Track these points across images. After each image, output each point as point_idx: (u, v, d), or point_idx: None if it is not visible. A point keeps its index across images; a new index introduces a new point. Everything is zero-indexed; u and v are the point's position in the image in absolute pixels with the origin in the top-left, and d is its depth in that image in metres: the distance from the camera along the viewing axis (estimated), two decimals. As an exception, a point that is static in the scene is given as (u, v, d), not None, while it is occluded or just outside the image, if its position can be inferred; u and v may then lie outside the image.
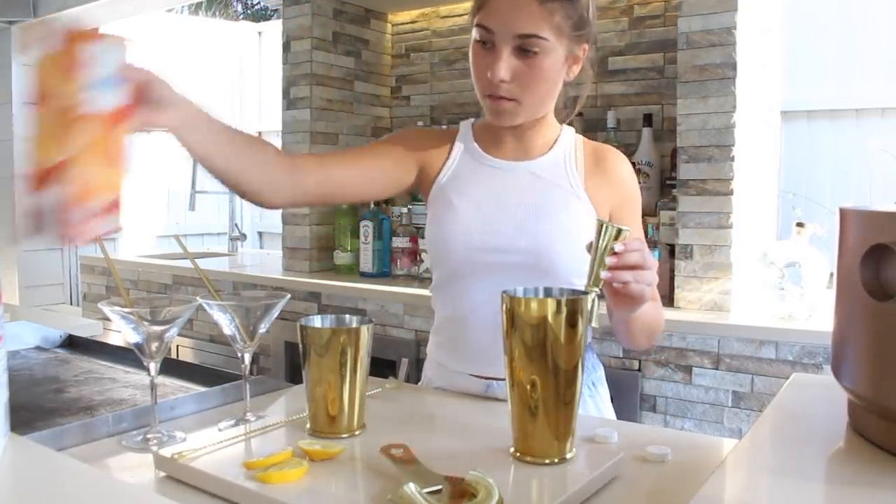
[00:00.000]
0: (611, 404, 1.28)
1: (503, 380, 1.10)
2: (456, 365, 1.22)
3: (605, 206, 1.19)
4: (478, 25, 1.09)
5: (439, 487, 0.74)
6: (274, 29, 4.69)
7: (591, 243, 0.94)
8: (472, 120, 1.28)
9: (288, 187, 1.11)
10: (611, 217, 1.20)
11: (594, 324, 0.90)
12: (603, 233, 0.94)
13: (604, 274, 0.93)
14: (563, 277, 1.12)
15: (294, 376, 2.56)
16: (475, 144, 1.23)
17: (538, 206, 1.16)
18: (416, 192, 1.29)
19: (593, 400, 1.23)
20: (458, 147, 1.24)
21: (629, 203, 1.21)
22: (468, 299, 1.18)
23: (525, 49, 1.07)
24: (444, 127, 2.77)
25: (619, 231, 0.93)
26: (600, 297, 0.95)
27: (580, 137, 1.24)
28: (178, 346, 3.00)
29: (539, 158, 1.20)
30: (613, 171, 1.20)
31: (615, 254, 0.92)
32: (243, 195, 1.09)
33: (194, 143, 0.98)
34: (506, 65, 1.07)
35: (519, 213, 1.15)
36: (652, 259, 0.96)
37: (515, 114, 1.13)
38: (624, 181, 1.21)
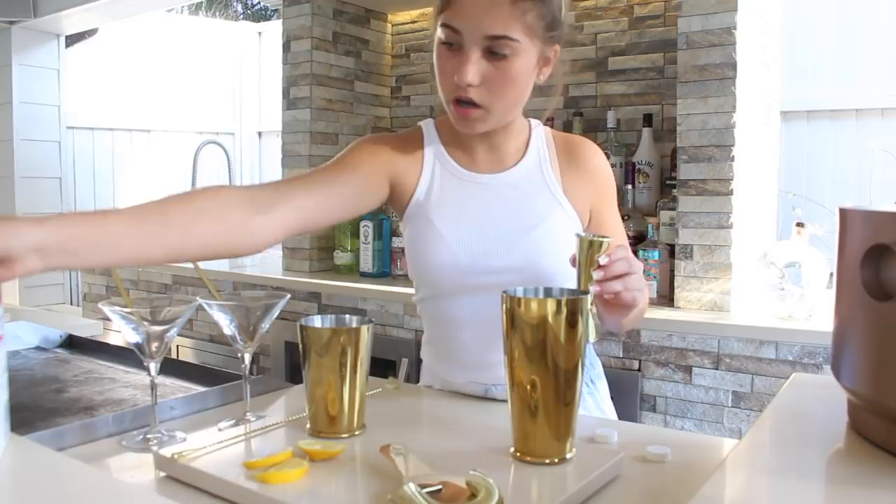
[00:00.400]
0: (610, 401, 1.27)
1: (503, 385, 1.10)
2: (451, 375, 1.21)
3: (585, 203, 1.17)
4: (443, 25, 1.02)
5: (439, 487, 0.74)
6: (274, 29, 4.68)
7: (574, 257, 0.93)
8: (430, 120, 1.20)
9: (259, 230, 0.97)
10: (591, 211, 1.18)
11: (592, 338, 0.89)
12: (585, 247, 0.92)
13: (592, 288, 0.92)
14: (556, 286, 1.10)
15: (294, 376, 2.55)
16: (447, 156, 1.16)
17: (523, 220, 1.12)
18: (389, 206, 1.21)
19: (592, 397, 1.23)
20: (429, 157, 1.17)
21: (606, 192, 1.19)
22: (459, 314, 1.15)
23: (495, 51, 1.00)
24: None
25: (601, 243, 0.92)
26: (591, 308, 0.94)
27: (549, 131, 1.20)
28: (178, 346, 3.00)
29: (515, 167, 1.15)
30: (587, 164, 1.17)
31: (601, 266, 0.91)
32: (221, 257, 0.98)
33: (83, 262, 0.79)
34: (475, 68, 1.00)
35: (504, 231, 1.12)
36: (637, 263, 0.95)
37: (483, 122, 1.07)
38: (598, 173, 1.18)
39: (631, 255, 0.95)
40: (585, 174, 1.17)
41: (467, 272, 1.12)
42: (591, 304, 0.92)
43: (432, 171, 1.16)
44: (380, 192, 1.15)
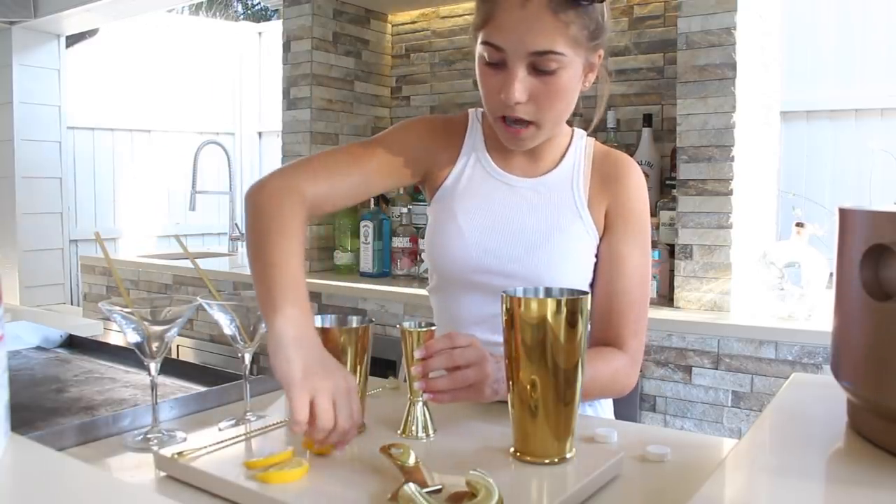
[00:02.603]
0: (612, 416, 1.25)
1: None
2: None
3: (602, 219, 1.13)
4: (485, 43, 0.99)
5: (439, 487, 0.74)
6: (274, 29, 4.69)
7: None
8: (481, 110, 1.17)
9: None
10: (605, 232, 1.11)
11: (422, 435, 0.88)
12: (405, 338, 0.89)
13: (416, 385, 0.87)
14: None
15: (294, 376, 2.55)
16: (484, 150, 1.16)
17: (539, 230, 1.11)
18: (420, 188, 1.23)
19: (592, 407, 1.19)
20: (467, 148, 1.16)
21: (624, 217, 1.11)
22: (464, 311, 1.15)
23: (540, 67, 0.97)
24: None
25: (419, 333, 0.88)
26: (426, 405, 0.92)
27: (592, 142, 1.17)
28: (178, 346, 3.00)
29: (548, 174, 1.14)
30: (617, 180, 1.12)
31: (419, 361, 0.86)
32: None
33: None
34: (521, 86, 0.97)
35: (520, 235, 1.11)
36: (474, 353, 0.88)
37: (533, 139, 1.06)
38: (624, 193, 1.12)
39: (463, 345, 0.88)
40: (611, 191, 1.12)
41: (476, 268, 1.11)
42: (421, 399, 0.89)
43: (466, 162, 1.16)
44: (412, 178, 1.17)
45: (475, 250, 1.11)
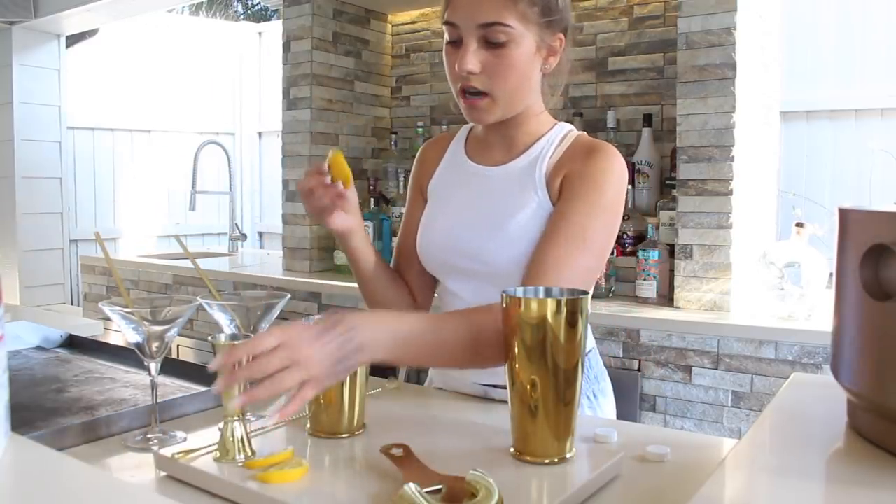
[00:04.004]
0: (614, 417, 1.24)
1: (502, 387, 1.10)
2: (455, 373, 1.22)
3: (556, 188, 1.10)
4: (445, 23, 1.08)
5: (439, 487, 0.74)
6: (274, 29, 4.69)
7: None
8: (470, 126, 1.25)
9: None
10: (558, 201, 1.09)
11: (240, 458, 0.81)
12: (217, 352, 0.84)
13: (236, 402, 0.81)
14: (518, 280, 1.06)
15: (294, 376, 2.55)
16: (463, 149, 1.23)
17: (498, 212, 1.12)
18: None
19: (593, 412, 1.19)
20: (449, 151, 1.25)
21: (577, 181, 1.07)
22: (455, 298, 1.19)
23: (491, 40, 1.04)
24: (444, 127, 2.78)
25: (224, 347, 0.84)
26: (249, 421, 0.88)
27: (575, 133, 1.16)
28: (178, 346, 3.00)
29: (515, 160, 1.15)
30: (586, 155, 1.10)
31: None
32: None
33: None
34: (473, 56, 1.05)
35: (481, 220, 1.14)
36: (281, 356, 0.78)
37: (489, 111, 1.09)
38: (587, 164, 1.08)
39: (267, 348, 0.79)
40: (577, 161, 1.10)
41: (443, 250, 1.18)
42: (241, 416, 0.83)
43: (445, 162, 1.25)
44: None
45: (440, 235, 1.18)
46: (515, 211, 1.11)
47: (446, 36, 1.09)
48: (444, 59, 1.11)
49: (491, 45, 1.05)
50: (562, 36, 1.11)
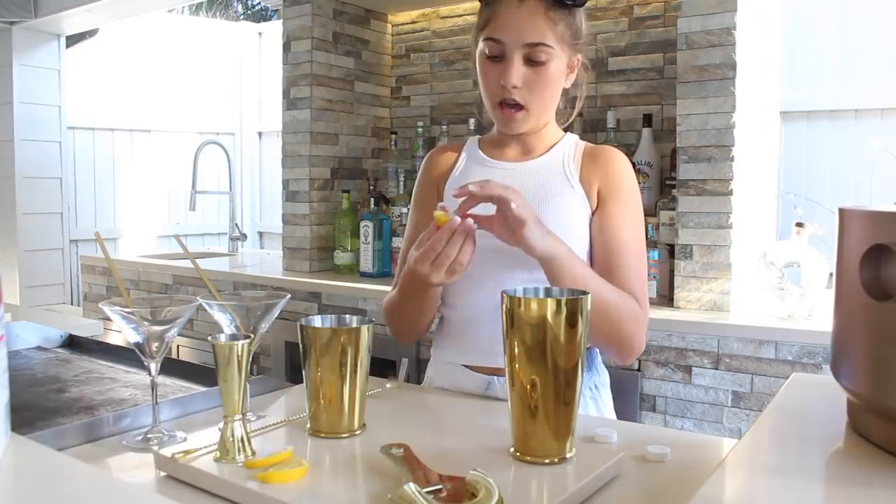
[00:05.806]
0: (613, 411, 1.28)
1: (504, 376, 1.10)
2: (457, 357, 1.23)
3: (595, 196, 1.21)
4: (487, 39, 1.15)
5: (439, 487, 0.74)
6: (274, 29, 4.69)
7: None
8: (478, 137, 1.33)
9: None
10: (598, 205, 1.19)
11: (240, 458, 0.82)
12: (216, 351, 0.85)
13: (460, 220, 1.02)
14: None
15: (294, 376, 2.55)
16: (479, 150, 1.29)
17: (534, 196, 1.19)
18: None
19: (595, 402, 1.23)
20: (464, 154, 1.30)
21: (614, 193, 1.20)
22: (470, 294, 1.20)
23: (532, 58, 1.14)
24: (444, 128, 2.78)
25: (230, 346, 0.85)
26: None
27: (582, 142, 1.27)
28: (178, 346, 3.00)
29: (539, 157, 1.24)
30: (605, 162, 1.22)
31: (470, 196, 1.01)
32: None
33: None
34: (518, 72, 1.14)
35: None
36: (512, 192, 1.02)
37: (524, 122, 1.19)
38: (612, 171, 1.21)
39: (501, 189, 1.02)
40: (600, 170, 1.21)
41: (480, 235, 1.15)
42: (243, 414, 0.86)
43: (461, 161, 1.30)
44: None
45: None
46: (551, 198, 1.19)
47: (485, 50, 1.16)
48: (480, 69, 1.19)
49: (532, 62, 1.15)
50: (581, 56, 1.22)
